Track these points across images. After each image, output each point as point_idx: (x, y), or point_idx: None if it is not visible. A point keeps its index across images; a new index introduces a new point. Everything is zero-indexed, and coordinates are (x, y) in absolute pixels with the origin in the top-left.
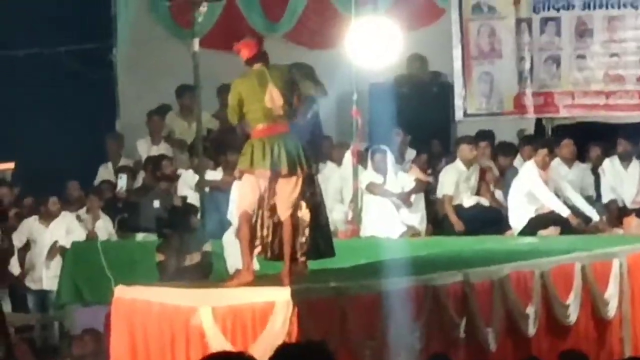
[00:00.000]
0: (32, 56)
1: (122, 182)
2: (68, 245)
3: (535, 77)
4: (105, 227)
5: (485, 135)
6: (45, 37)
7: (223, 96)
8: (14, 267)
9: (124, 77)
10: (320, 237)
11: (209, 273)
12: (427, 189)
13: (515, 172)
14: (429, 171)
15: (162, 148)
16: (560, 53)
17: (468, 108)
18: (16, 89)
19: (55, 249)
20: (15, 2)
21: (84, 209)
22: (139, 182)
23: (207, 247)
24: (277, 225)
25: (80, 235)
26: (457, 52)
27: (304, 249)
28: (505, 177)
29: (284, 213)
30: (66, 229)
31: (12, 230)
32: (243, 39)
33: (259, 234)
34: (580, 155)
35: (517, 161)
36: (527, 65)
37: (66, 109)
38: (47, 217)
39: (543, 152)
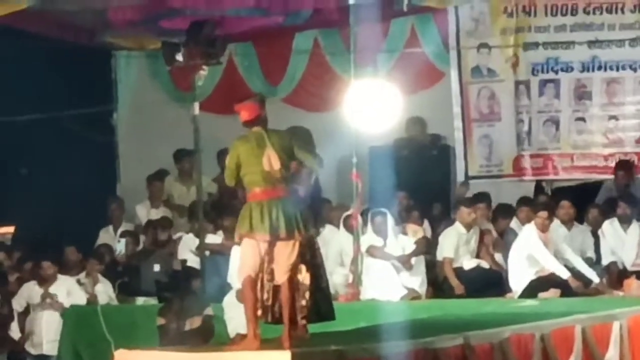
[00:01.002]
0: (32, 121)
1: (121, 246)
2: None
3: (534, 139)
4: (105, 291)
5: (482, 198)
6: (46, 102)
7: (223, 160)
8: (14, 332)
9: (125, 141)
10: (321, 300)
11: (210, 337)
12: (428, 251)
13: (513, 233)
14: (423, 225)
15: (162, 212)
16: (559, 115)
17: (469, 170)
18: (16, 154)
19: (55, 304)
20: (16, 68)
21: (84, 273)
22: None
23: (209, 311)
24: (277, 289)
25: (80, 298)
26: (457, 115)
27: (304, 312)
28: (504, 239)
29: (281, 277)
30: (66, 291)
31: (12, 295)
32: (246, 101)
33: (259, 297)
34: (580, 217)
35: (514, 223)
36: (526, 128)
37: (67, 173)
38: (45, 282)
39: (543, 214)
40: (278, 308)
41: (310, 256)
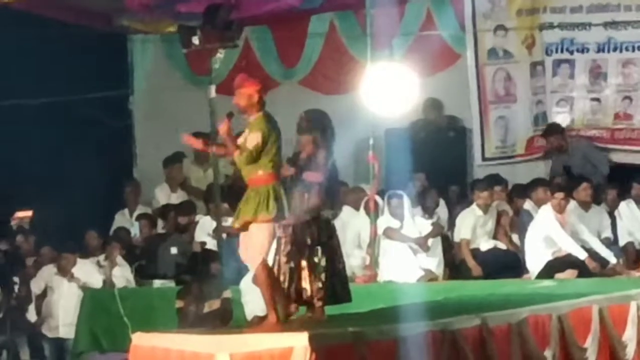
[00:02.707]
0: (49, 105)
1: (135, 229)
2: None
3: (549, 119)
4: (123, 274)
5: (499, 180)
6: (63, 86)
7: None
8: (31, 315)
9: (142, 124)
10: (337, 283)
11: (229, 320)
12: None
13: (527, 215)
14: (438, 208)
15: (181, 196)
16: (573, 95)
17: (486, 152)
18: (34, 137)
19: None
20: (33, 51)
21: (103, 255)
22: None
23: (227, 294)
24: (294, 271)
25: (97, 281)
26: (473, 97)
27: (321, 294)
28: (519, 220)
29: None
30: (84, 274)
31: (29, 278)
32: (250, 80)
33: (276, 280)
34: (597, 198)
35: (528, 204)
36: (542, 109)
37: (83, 157)
38: (66, 272)
39: (559, 195)
40: (294, 291)
41: (327, 238)
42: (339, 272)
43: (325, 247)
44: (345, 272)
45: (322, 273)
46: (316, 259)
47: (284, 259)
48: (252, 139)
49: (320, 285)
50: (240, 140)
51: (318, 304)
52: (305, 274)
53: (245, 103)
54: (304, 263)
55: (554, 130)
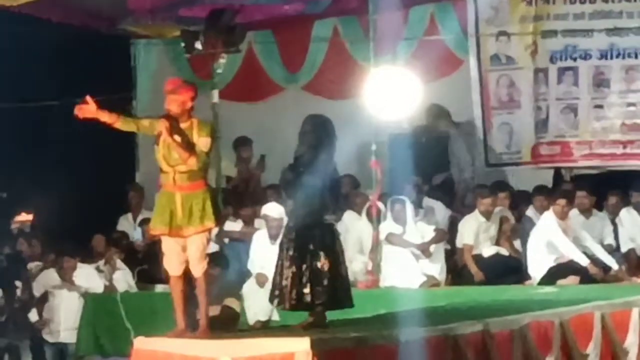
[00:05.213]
0: (52, 108)
1: (138, 234)
2: (91, 291)
3: (552, 127)
4: (124, 279)
5: (503, 186)
6: (66, 89)
7: (240, 149)
8: (33, 318)
9: None
10: (340, 287)
11: (230, 328)
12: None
13: (529, 221)
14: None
15: None
16: (577, 102)
17: (490, 158)
18: (37, 141)
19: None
20: (34, 55)
21: (103, 260)
22: None
23: (230, 301)
24: (296, 275)
25: (98, 285)
26: (476, 103)
27: (322, 298)
28: (521, 227)
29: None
30: (85, 279)
31: (32, 281)
32: (185, 87)
33: (279, 284)
34: (600, 204)
35: (530, 211)
36: (544, 115)
37: (86, 161)
38: (65, 275)
39: (561, 202)
40: (296, 295)
41: (330, 243)
42: (342, 277)
43: (328, 252)
44: (348, 277)
45: (324, 278)
46: (319, 264)
47: (286, 263)
48: (204, 142)
49: (322, 289)
50: (176, 139)
51: (319, 308)
52: (307, 278)
53: (178, 110)
54: (306, 267)
55: (441, 114)
